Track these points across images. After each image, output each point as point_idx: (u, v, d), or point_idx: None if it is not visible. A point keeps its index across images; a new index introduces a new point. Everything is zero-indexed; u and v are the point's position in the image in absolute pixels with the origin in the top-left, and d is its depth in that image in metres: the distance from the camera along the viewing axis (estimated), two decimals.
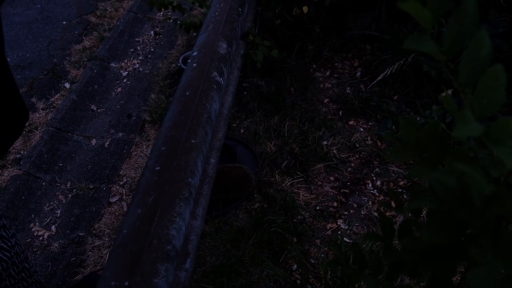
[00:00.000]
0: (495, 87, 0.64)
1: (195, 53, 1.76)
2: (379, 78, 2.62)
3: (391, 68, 2.59)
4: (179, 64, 3.18)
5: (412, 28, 3.01)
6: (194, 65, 1.67)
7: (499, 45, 2.77)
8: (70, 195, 2.36)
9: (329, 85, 3.09)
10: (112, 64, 3.42)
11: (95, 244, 2.11)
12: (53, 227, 2.20)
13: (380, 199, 2.29)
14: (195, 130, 1.46)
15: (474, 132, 0.56)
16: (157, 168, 1.20)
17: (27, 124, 2.64)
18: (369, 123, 2.76)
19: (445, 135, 0.64)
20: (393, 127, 2.70)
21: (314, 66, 3.25)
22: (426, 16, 0.62)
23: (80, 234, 2.16)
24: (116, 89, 3.20)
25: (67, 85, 3.13)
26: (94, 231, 2.17)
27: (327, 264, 0.99)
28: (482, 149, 0.61)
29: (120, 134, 2.76)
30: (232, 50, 2.05)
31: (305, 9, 3.10)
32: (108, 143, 2.69)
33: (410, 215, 0.73)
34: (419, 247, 0.55)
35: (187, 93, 1.50)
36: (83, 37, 3.69)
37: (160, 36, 3.91)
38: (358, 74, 3.21)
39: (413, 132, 0.65)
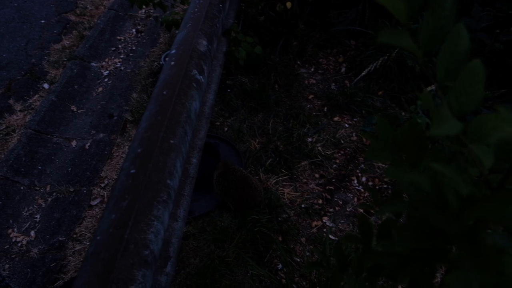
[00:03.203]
0: (474, 83, 0.61)
1: (173, 51, 1.72)
2: (363, 73, 2.60)
3: (375, 64, 2.57)
4: (161, 62, 3.13)
5: (396, 23, 3.00)
6: (172, 63, 1.62)
7: (483, 39, 2.77)
8: (50, 199, 2.30)
9: (314, 81, 3.07)
10: (93, 64, 3.35)
11: (76, 248, 2.06)
12: (32, 233, 2.14)
13: (365, 195, 2.28)
14: (173, 130, 1.42)
15: (451, 130, 0.53)
16: (132, 171, 1.16)
17: (3, 127, 2.57)
18: (354, 119, 2.74)
19: (422, 135, 0.61)
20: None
21: (298, 62, 3.22)
22: (401, 10, 0.59)
23: (61, 238, 2.11)
24: (97, 89, 3.13)
25: (46, 85, 3.06)
26: (75, 235, 2.12)
27: (308, 266, 0.96)
28: (462, 148, 0.58)
29: (101, 135, 2.69)
30: (213, 47, 2.01)
31: (288, 4, 3.06)
32: (88, 144, 2.63)
33: (388, 216, 0.70)
34: (397, 251, 0.52)
35: (165, 92, 1.45)
36: (63, 36, 3.61)
37: (142, 34, 3.84)
38: (343, 69, 3.19)
39: (390, 132, 0.63)
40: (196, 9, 1.99)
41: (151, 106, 1.41)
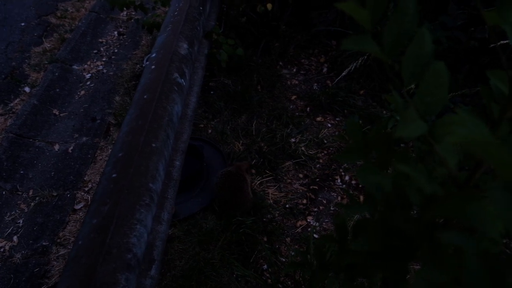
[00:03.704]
0: (439, 84, 0.64)
1: (153, 55, 1.72)
2: (344, 73, 2.64)
3: (355, 63, 2.61)
4: (144, 65, 3.12)
5: None
6: (153, 67, 1.63)
7: (459, 37, 2.83)
8: (32, 204, 2.28)
9: (296, 82, 3.09)
10: (75, 67, 3.32)
11: (60, 253, 2.05)
12: (15, 238, 2.12)
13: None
14: (155, 134, 1.42)
15: (417, 132, 0.56)
16: (113, 176, 1.16)
17: None
18: (337, 119, 2.77)
19: (390, 136, 0.63)
20: (361, 121, 2.72)
21: (280, 63, 3.25)
22: (365, 17, 0.61)
23: (44, 243, 2.09)
24: (79, 92, 3.11)
25: (27, 89, 3.03)
26: (58, 240, 2.10)
27: (289, 266, 0.98)
28: (430, 148, 0.61)
29: (84, 139, 2.68)
30: (194, 50, 2.02)
31: (269, 6, 3.08)
32: (71, 148, 2.61)
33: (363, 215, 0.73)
34: (368, 249, 0.54)
35: (145, 96, 1.46)
36: (43, 39, 3.57)
37: (124, 36, 3.82)
38: (325, 70, 3.22)
39: (360, 134, 0.65)
40: (176, 13, 1.99)
41: (132, 110, 1.41)
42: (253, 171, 2.33)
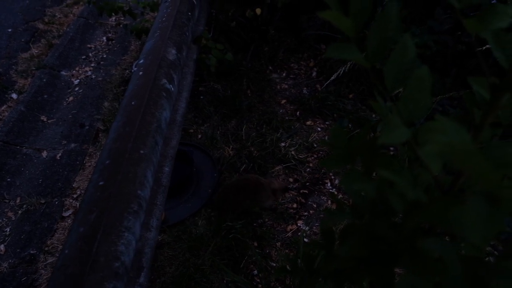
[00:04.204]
0: (422, 90, 0.64)
1: (141, 61, 1.72)
2: (333, 77, 2.65)
3: (343, 68, 2.63)
4: (132, 70, 3.11)
5: None
6: (141, 73, 1.62)
7: (446, 41, 2.86)
8: (20, 211, 2.25)
9: (286, 86, 3.10)
10: (63, 72, 3.30)
11: (48, 261, 2.02)
12: (1, 246, 2.09)
13: (339, 197, 2.31)
14: (143, 140, 1.41)
15: (400, 138, 0.56)
16: (100, 183, 1.15)
17: None
18: (326, 123, 2.78)
19: (374, 142, 0.63)
20: (350, 125, 2.74)
21: (270, 67, 3.25)
22: (347, 24, 0.61)
23: (32, 252, 2.06)
24: (68, 98, 3.09)
25: (14, 95, 2.99)
26: (46, 248, 2.08)
27: (277, 272, 0.98)
28: (414, 154, 0.61)
29: (73, 145, 2.66)
30: (183, 56, 2.02)
31: (258, 11, 3.09)
32: (60, 155, 2.59)
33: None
34: (354, 255, 0.54)
35: (133, 102, 1.45)
36: (31, 45, 3.54)
37: (113, 41, 3.81)
38: (314, 74, 3.24)
39: (344, 140, 0.65)
40: (164, 18, 1.99)
41: (119, 117, 1.41)
42: (288, 194, 2.30)
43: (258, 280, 1.88)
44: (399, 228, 0.43)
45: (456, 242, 0.39)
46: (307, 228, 2.15)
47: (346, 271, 0.60)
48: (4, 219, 2.22)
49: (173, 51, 1.90)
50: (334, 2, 0.63)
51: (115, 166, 1.22)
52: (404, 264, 0.41)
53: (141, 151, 1.37)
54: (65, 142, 2.69)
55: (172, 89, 1.79)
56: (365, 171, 0.60)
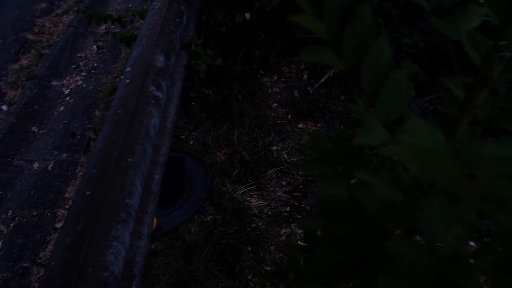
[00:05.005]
0: (399, 92, 0.64)
1: (128, 69, 1.71)
2: (323, 80, 2.66)
3: (333, 70, 2.63)
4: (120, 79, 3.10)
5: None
6: (127, 81, 1.62)
7: (436, 41, 2.88)
8: (12, 224, 2.24)
9: (277, 90, 3.10)
10: (53, 82, 3.29)
11: (41, 274, 2.00)
12: None
13: None
14: (131, 148, 1.41)
15: (376, 139, 0.56)
16: (87, 193, 1.15)
17: None
18: (318, 125, 2.79)
19: (351, 144, 0.63)
20: (342, 126, 2.74)
21: (261, 71, 3.26)
22: (320, 28, 0.61)
23: (24, 265, 2.05)
24: (59, 108, 3.07)
25: (4, 107, 2.98)
26: (39, 260, 2.06)
27: (264, 277, 0.97)
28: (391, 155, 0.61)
29: (64, 155, 2.64)
30: (171, 62, 2.01)
31: (247, 15, 3.10)
32: (51, 165, 2.57)
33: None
34: (334, 259, 0.54)
35: (120, 110, 1.45)
36: (20, 56, 3.53)
37: (104, 50, 3.80)
38: (305, 76, 3.24)
39: (323, 143, 0.65)
40: (150, 26, 1.99)
41: (106, 126, 1.40)
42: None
43: (253, 285, 1.87)
44: (370, 230, 0.43)
45: (430, 243, 0.39)
46: (300, 231, 2.15)
47: (327, 275, 0.60)
48: None
49: (161, 58, 1.90)
50: (307, 6, 0.63)
51: (102, 175, 1.21)
52: (377, 266, 0.41)
53: (129, 159, 1.37)
54: (57, 152, 2.67)
55: (161, 96, 1.79)
56: (343, 173, 0.60)
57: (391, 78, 0.64)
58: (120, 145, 1.34)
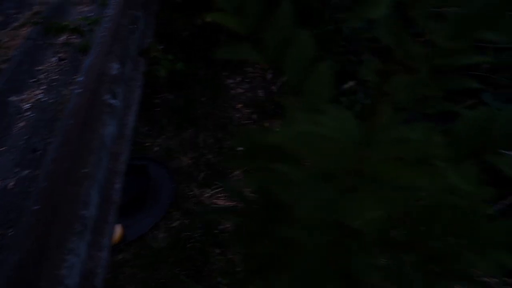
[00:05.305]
0: (322, 84, 0.65)
1: (81, 78, 1.68)
2: (284, 78, 2.67)
3: None
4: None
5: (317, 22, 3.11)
6: (80, 90, 1.59)
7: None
8: None
9: (241, 91, 3.11)
10: (12, 98, 3.20)
11: None
12: None
13: None
14: (85, 158, 1.38)
15: (289, 135, 0.56)
16: (35, 208, 1.12)
17: None
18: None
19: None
20: None
21: (224, 73, 3.25)
22: (239, 24, 0.62)
23: None
24: (19, 124, 2.99)
25: None
26: None
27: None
28: None
29: (26, 172, 2.57)
30: (126, 70, 1.99)
31: (207, 18, 3.09)
32: (12, 183, 2.50)
33: None
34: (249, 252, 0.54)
35: (71, 121, 1.42)
36: None
37: (65, 61, 3.72)
38: (269, 76, 3.25)
39: (249, 139, 0.65)
40: (104, 33, 1.96)
41: (57, 138, 1.37)
42: None
43: (224, 287, 1.86)
44: (281, 222, 0.43)
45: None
46: None
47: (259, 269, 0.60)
48: None
49: (116, 65, 1.87)
50: (225, 2, 0.63)
51: (53, 188, 1.19)
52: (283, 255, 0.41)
53: (83, 170, 1.34)
54: (18, 169, 2.60)
55: (117, 104, 1.76)
56: (265, 168, 0.60)
57: (315, 71, 0.65)
58: (73, 156, 1.32)
